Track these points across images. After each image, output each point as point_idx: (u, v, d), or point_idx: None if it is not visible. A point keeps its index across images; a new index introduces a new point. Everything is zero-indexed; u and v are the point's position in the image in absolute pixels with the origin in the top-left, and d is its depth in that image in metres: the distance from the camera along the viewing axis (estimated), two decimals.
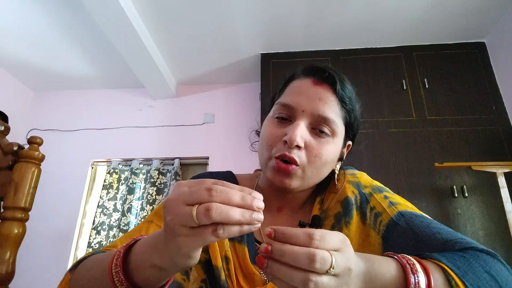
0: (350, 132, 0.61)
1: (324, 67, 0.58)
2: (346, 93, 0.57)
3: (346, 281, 0.33)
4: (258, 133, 0.69)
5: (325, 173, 0.58)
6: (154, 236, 0.38)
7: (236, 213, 0.30)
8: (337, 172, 0.61)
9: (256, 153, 0.63)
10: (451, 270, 0.38)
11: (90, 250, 2.63)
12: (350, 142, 0.64)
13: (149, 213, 2.73)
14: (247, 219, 0.31)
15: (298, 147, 0.53)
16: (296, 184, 0.54)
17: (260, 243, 0.58)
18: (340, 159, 0.62)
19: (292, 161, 0.52)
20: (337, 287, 0.32)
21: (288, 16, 2.36)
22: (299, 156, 0.53)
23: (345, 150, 0.63)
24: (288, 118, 0.56)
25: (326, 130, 0.55)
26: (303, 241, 0.31)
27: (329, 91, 0.56)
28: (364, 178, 0.62)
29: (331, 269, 0.31)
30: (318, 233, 0.32)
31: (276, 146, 0.55)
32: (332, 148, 0.56)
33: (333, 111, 0.55)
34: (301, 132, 0.53)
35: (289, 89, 0.60)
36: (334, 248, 0.32)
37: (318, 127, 0.55)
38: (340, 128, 0.56)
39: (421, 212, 0.54)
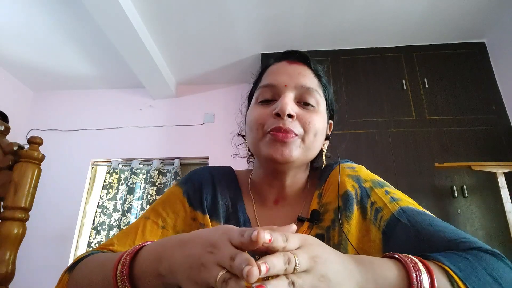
0: (330, 107, 0.63)
1: (292, 49, 0.62)
2: (319, 68, 0.62)
3: (321, 272, 0.32)
4: (240, 135, 0.71)
5: (318, 145, 0.58)
6: (160, 245, 0.38)
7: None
8: (325, 151, 0.62)
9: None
10: (454, 272, 0.38)
11: (90, 250, 2.62)
12: (331, 121, 0.65)
13: None
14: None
15: (290, 116, 0.53)
16: (297, 153, 0.53)
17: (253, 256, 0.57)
18: (327, 138, 0.63)
19: (289, 132, 0.52)
20: (313, 280, 0.31)
21: (288, 16, 2.36)
22: (294, 126, 0.53)
23: (328, 129, 0.64)
24: (272, 98, 0.57)
25: (310, 101, 0.56)
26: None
27: (305, 67, 0.60)
28: (363, 171, 0.61)
29: (297, 265, 0.31)
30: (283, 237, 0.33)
31: (267, 122, 0.54)
32: (320, 118, 0.57)
33: (313, 83, 0.58)
34: (290, 101, 0.54)
35: (266, 74, 0.62)
36: (295, 247, 0.33)
37: (303, 99, 0.56)
38: (322, 99, 0.59)
39: (422, 209, 0.53)
